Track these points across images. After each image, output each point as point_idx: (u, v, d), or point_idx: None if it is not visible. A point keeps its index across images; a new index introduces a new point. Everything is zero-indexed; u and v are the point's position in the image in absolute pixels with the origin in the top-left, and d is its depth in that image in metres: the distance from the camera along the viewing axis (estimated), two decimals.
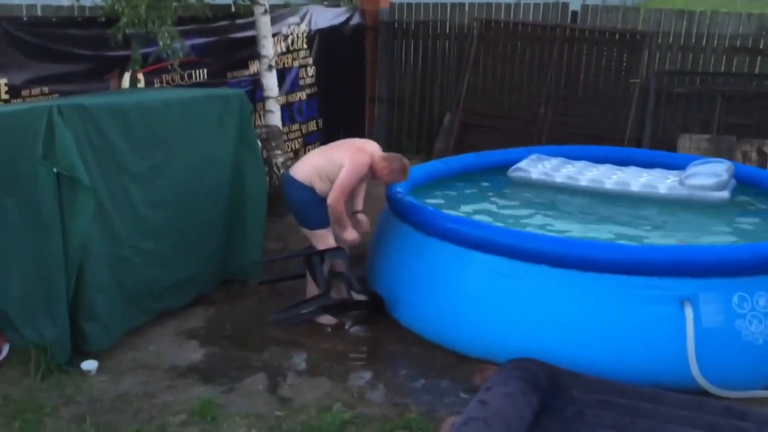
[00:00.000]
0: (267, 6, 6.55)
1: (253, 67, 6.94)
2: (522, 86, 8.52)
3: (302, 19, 7.71)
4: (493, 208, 5.51)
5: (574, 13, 8.39)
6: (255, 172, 5.19)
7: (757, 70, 7.75)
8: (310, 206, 4.64)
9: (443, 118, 8.79)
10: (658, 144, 7.67)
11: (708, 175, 5.57)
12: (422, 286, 4.53)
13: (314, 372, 4.15)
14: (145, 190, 4.48)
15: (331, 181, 4.56)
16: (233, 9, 6.80)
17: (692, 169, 5.71)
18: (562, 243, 4.32)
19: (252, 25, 6.66)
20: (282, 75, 7.27)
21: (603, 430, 3.15)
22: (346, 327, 4.71)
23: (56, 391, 3.86)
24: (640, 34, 8.00)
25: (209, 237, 4.99)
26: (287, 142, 7.39)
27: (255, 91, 6.89)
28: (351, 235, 4.71)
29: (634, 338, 3.91)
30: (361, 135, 7.74)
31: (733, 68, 7.87)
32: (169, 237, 4.66)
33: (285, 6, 7.32)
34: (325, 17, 8.15)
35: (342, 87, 8.44)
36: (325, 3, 8.43)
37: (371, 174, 4.69)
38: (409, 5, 9.13)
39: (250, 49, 6.79)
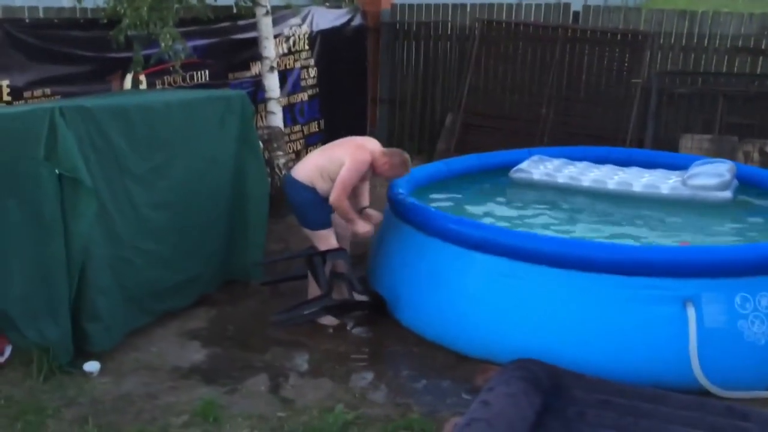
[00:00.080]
0: (268, 7, 6.56)
1: (255, 69, 6.94)
2: (524, 87, 8.51)
3: (304, 20, 7.71)
4: (495, 208, 5.51)
5: (576, 14, 8.38)
6: (257, 173, 5.19)
7: (758, 70, 7.74)
8: (312, 207, 4.64)
9: (445, 119, 8.79)
10: (660, 144, 7.66)
11: (710, 176, 5.56)
12: (424, 286, 4.53)
13: (316, 373, 4.16)
14: (146, 191, 4.49)
15: (333, 180, 4.56)
16: (235, 10, 6.80)
17: (694, 170, 5.71)
18: (563, 243, 4.32)
19: (253, 27, 6.66)
20: (283, 76, 7.27)
21: (604, 430, 3.14)
22: (348, 328, 4.71)
23: (58, 392, 3.87)
24: (642, 34, 7.99)
25: (211, 238, 4.99)
26: (289, 143, 7.39)
27: (256, 92, 6.89)
28: (363, 227, 4.69)
29: (635, 339, 3.91)
30: (362, 135, 7.74)
31: (735, 68, 7.86)
32: (170, 238, 4.66)
33: (286, 7, 7.33)
34: (327, 18, 8.15)
35: (344, 88, 8.44)
36: (327, 4, 8.44)
37: (373, 171, 4.69)
38: (411, 6, 9.13)
39: (251, 50, 6.79)
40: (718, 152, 7.14)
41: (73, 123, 3.99)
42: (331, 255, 4.66)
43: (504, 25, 8.61)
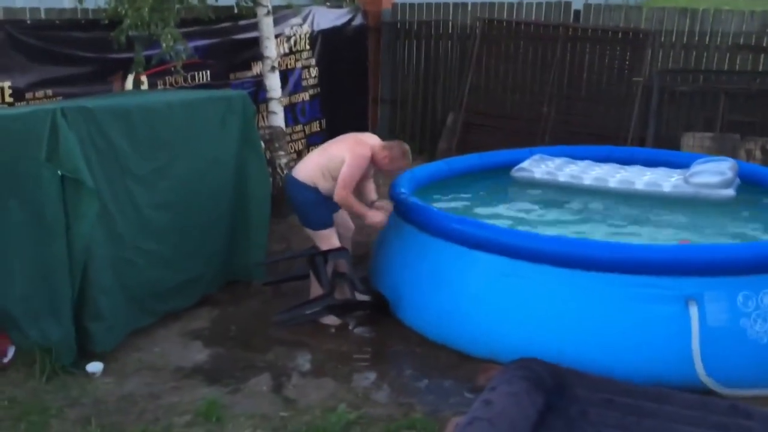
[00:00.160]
0: (269, 7, 6.56)
1: (256, 69, 6.94)
2: (525, 86, 8.51)
3: (305, 20, 7.71)
4: (497, 208, 5.51)
5: (577, 12, 8.38)
6: (258, 173, 5.19)
7: (760, 68, 7.73)
8: (314, 206, 4.64)
9: (446, 119, 8.79)
10: (661, 142, 7.65)
11: (713, 173, 5.56)
12: (426, 286, 4.53)
13: (319, 372, 4.16)
14: (148, 191, 4.49)
15: (334, 178, 4.56)
16: (236, 10, 6.80)
17: (697, 168, 5.70)
18: (565, 243, 4.31)
19: (255, 27, 6.66)
20: (285, 76, 7.27)
21: (607, 430, 3.14)
22: (350, 327, 4.72)
23: (61, 392, 3.87)
24: (643, 32, 7.99)
25: (213, 238, 4.99)
26: (290, 143, 7.39)
27: (258, 92, 6.90)
28: (375, 217, 4.69)
29: (638, 337, 3.90)
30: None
31: (737, 66, 7.85)
32: (172, 238, 4.67)
33: (287, 7, 7.33)
34: (328, 18, 8.15)
35: (345, 88, 8.44)
36: (328, 4, 8.43)
37: (374, 165, 4.68)
38: (412, 5, 9.13)
39: (252, 50, 6.80)
40: (720, 150, 7.13)
41: (74, 124, 3.99)
42: (333, 255, 4.66)
43: (505, 24, 8.61)
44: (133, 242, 4.40)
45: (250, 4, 6.61)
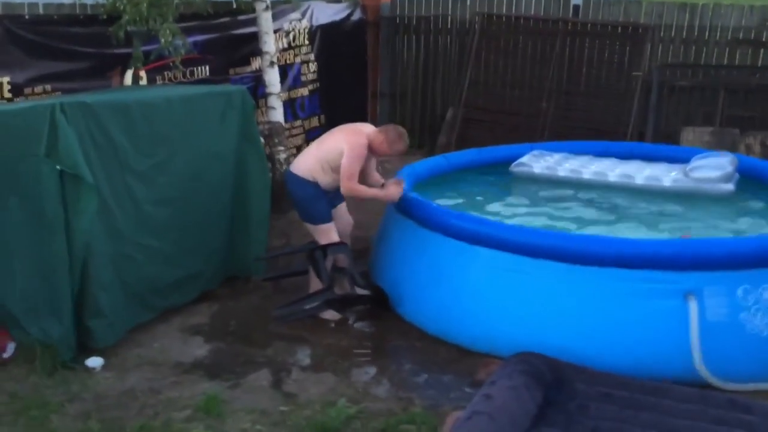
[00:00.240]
0: (268, 2, 6.55)
1: (255, 64, 6.94)
2: (524, 81, 8.51)
3: (303, 15, 7.70)
4: (496, 203, 5.51)
5: (576, 7, 8.37)
6: (258, 169, 5.19)
7: (759, 63, 7.74)
8: (314, 201, 4.64)
9: (445, 113, 8.79)
10: (661, 137, 7.66)
11: (713, 168, 5.56)
12: (426, 281, 4.54)
13: (318, 367, 4.16)
14: (148, 187, 4.48)
15: (333, 171, 4.56)
16: (234, 5, 6.80)
17: (696, 162, 5.70)
18: (564, 237, 4.32)
19: (253, 22, 6.65)
20: (284, 71, 7.26)
21: (606, 423, 3.15)
22: (350, 322, 4.72)
23: (62, 387, 3.88)
24: (643, 27, 7.98)
25: (213, 233, 4.99)
26: (290, 138, 7.38)
27: (257, 87, 6.89)
28: (390, 192, 4.68)
29: (637, 332, 3.91)
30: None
31: (736, 61, 7.86)
32: (172, 234, 4.67)
33: (286, 2, 7.32)
34: (327, 13, 8.14)
35: (344, 83, 8.43)
36: None
37: (373, 152, 4.68)
38: (411, 0, 9.12)
39: (251, 45, 6.79)
40: (720, 145, 7.14)
41: (73, 119, 3.98)
42: (333, 249, 4.66)
43: (504, 19, 8.60)
44: (133, 238, 4.40)
45: None
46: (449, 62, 9.00)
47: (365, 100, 9.03)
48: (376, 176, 4.89)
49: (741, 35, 7.81)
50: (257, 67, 6.90)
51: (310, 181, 4.62)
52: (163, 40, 5.48)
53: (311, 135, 7.84)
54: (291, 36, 7.52)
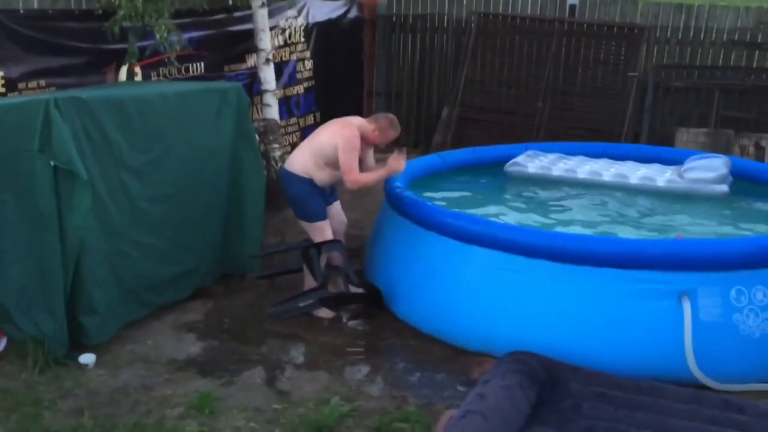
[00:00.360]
0: None
1: (251, 61, 6.92)
2: (520, 80, 8.52)
3: (300, 12, 7.69)
4: (491, 202, 5.51)
5: (572, 7, 8.39)
6: (253, 166, 5.18)
7: (755, 64, 7.77)
8: (309, 198, 4.65)
9: (441, 112, 8.78)
10: (655, 138, 7.68)
11: (707, 169, 5.57)
12: (420, 279, 4.53)
13: (312, 365, 4.16)
14: (142, 183, 4.47)
15: (328, 166, 4.57)
16: (230, 2, 6.78)
17: (691, 163, 5.72)
18: (558, 237, 4.32)
19: (249, 18, 6.64)
20: (279, 68, 7.25)
21: (600, 423, 3.15)
22: (344, 320, 4.71)
23: (54, 384, 3.86)
24: (638, 27, 8.00)
25: (207, 230, 4.98)
26: (285, 136, 7.37)
27: (252, 84, 6.88)
28: (392, 166, 4.67)
29: (631, 332, 3.91)
30: None
31: (731, 62, 7.89)
32: (167, 230, 4.65)
33: None
34: (323, 10, 8.13)
35: (340, 81, 8.42)
36: None
37: (366, 142, 4.68)
38: None
39: (247, 42, 6.77)
40: (714, 146, 7.16)
41: (68, 115, 3.96)
42: (327, 246, 4.66)
43: (500, 18, 8.61)
44: (127, 234, 4.39)
45: None
46: (445, 61, 9.00)
47: (361, 98, 9.02)
48: (372, 162, 4.91)
49: (736, 37, 7.83)
50: (253, 64, 6.89)
51: (306, 178, 4.62)
52: (158, 36, 5.46)
53: (306, 133, 7.81)
54: (287, 33, 7.50)
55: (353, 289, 4.74)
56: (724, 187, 5.52)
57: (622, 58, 8.11)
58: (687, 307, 3.85)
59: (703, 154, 6.07)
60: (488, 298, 4.22)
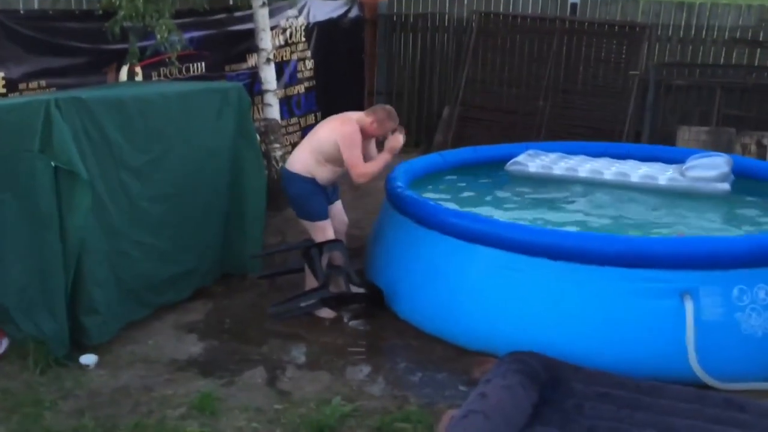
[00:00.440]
0: None
1: (252, 61, 6.92)
2: (521, 79, 8.51)
3: (300, 11, 7.69)
4: (492, 201, 5.50)
5: (573, 6, 8.38)
6: (254, 166, 5.18)
7: (756, 62, 7.76)
8: (311, 197, 4.64)
9: (442, 112, 8.78)
10: (657, 136, 7.67)
11: (709, 167, 5.56)
12: (421, 279, 4.53)
13: (313, 365, 4.15)
14: (143, 183, 4.47)
15: (329, 161, 4.57)
16: (231, 2, 6.78)
17: (692, 162, 5.71)
18: (561, 235, 4.30)
19: (250, 18, 6.64)
20: (280, 68, 7.25)
21: (603, 422, 3.14)
22: (345, 320, 4.71)
23: (55, 384, 3.86)
24: (640, 26, 7.99)
25: (208, 230, 4.98)
26: (286, 136, 7.37)
27: (253, 84, 6.87)
28: (392, 145, 4.66)
29: (634, 331, 3.90)
30: None
31: (733, 60, 7.87)
32: (167, 230, 4.65)
33: None
34: (324, 10, 8.13)
35: (340, 80, 8.42)
36: None
37: (366, 135, 4.67)
38: None
39: (248, 42, 6.77)
40: (716, 144, 7.14)
41: (68, 115, 3.96)
42: (328, 246, 4.65)
43: (501, 17, 8.60)
44: (128, 234, 4.38)
45: None
46: (446, 60, 8.99)
47: (362, 98, 9.01)
48: (376, 153, 4.88)
49: (738, 35, 7.82)
50: (253, 64, 6.89)
51: (308, 177, 4.62)
52: (159, 36, 5.46)
53: (307, 132, 7.77)
54: (288, 33, 7.50)
55: (354, 289, 4.73)
56: (725, 186, 5.51)
57: (623, 56, 8.10)
58: (689, 305, 3.84)
59: (704, 153, 6.06)
60: (490, 298, 4.21)
